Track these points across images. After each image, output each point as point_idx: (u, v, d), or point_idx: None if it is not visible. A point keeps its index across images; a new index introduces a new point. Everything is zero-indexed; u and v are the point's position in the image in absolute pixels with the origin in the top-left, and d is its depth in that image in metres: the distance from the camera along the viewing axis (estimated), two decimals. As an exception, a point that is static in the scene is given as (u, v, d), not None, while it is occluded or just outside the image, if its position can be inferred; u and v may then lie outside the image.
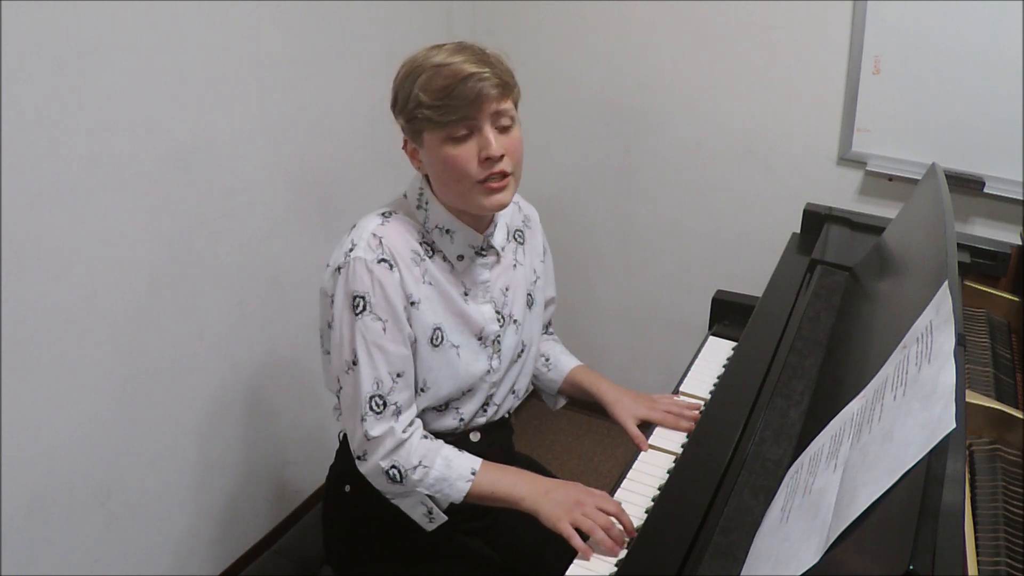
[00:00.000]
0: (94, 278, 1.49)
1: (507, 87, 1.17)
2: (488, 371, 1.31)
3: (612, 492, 1.24)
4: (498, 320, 1.31)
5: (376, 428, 1.19)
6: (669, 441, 1.35)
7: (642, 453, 1.32)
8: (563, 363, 1.52)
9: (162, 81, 1.53)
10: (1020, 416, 1.08)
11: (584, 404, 1.51)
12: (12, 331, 1.37)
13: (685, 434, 1.36)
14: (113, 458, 1.60)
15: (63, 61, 1.35)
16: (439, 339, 1.25)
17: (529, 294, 1.38)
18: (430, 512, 1.26)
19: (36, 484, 1.47)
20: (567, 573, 1.10)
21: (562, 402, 1.55)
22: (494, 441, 1.38)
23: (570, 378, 1.50)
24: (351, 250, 1.19)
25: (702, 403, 1.42)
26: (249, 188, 1.77)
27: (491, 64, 1.16)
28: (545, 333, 1.55)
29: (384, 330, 1.18)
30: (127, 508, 1.65)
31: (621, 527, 1.14)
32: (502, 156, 1.17)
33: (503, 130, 1.18)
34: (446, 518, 1.27)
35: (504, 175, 1.18)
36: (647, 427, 1.39)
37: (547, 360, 1.53)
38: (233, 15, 1.64)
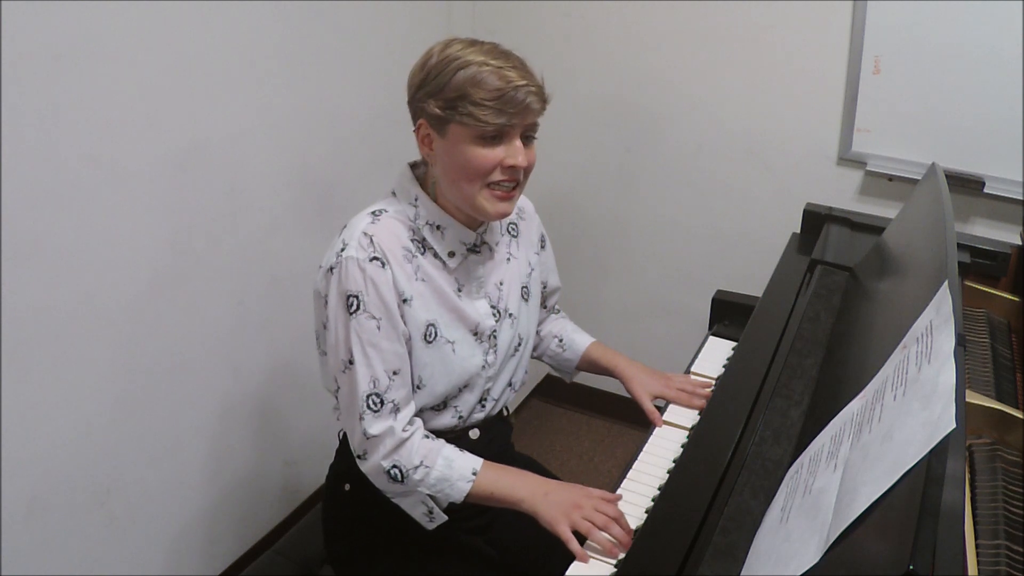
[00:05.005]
0: (94, 278, 1.49)
1: (545, 104, 1.20)
2: (484, 366, 1.32)
3: (612, 492, 1.24)
4: (493, 315, 1.32)
5: (375, 426, 1.20)
6: (681, 416, 1.40)
7: (644, 451, 1.32)
8: (577, 342, 1.55)
9: (162, 81, 1.53)
10: (1020, 416, 1.08)
11: (584, 403, 1.52)
12: (12, 331, 1.37)
13: (696, 412, 1.40)
14: (113, 458, 1.60)
15: (63, 61, 1.35)
16: (433, 335, 1.25)
17: (524, 287, 1.38)
18: (431, 512, 1.26)
19: (36, 484, 1.47)
20: (567, 573, 1.10)
21: (578, 374, 1.60)
22: (494, 438, 1.39)
23: (586, 356, 1.54)
24: (343, 250, 1.20)
25: (714, 381, 1.45)
26: (249, 188, 1.77)
27: (535, 77, 1.19)
28: (553, 313, 1.58)
29: (379, 328, 1.19)
30: (127, 508, 1.65)
31: (619, 529, 1.14)
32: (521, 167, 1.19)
33: (527, 141, 1.20)
34: (446, 518, 1.27)
35: (515, 185, 1.21)
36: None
37: (561, 341, 1.55)
38: (233, 15, 1.64)
